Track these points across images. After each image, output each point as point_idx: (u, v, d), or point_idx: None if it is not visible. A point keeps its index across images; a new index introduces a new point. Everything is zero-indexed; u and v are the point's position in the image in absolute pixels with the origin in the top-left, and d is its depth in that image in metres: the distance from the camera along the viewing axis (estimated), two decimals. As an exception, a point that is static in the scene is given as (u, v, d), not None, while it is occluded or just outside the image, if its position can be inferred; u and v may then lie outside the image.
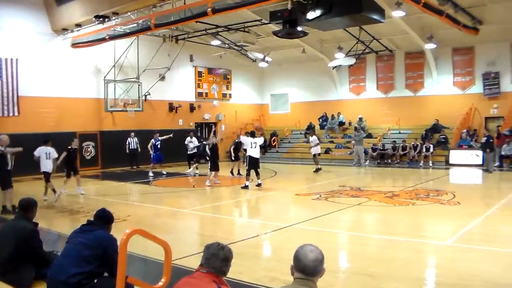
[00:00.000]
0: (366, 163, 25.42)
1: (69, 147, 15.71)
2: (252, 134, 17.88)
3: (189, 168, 22.22)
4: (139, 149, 24.44)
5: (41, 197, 13.76)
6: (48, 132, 20.78)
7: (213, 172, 17.93)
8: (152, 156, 21.36)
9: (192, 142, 21.92)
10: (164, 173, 21.90)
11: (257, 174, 17.13)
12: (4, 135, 12.77)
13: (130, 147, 24.44)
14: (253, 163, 17.00)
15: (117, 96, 23.98)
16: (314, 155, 22.93)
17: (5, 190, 12.45)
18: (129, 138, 24.48)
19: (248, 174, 17.11)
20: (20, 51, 20.90)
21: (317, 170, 22.20)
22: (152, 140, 21.37)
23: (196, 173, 21.68)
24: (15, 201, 6.21)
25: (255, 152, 16.98)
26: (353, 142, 26.05)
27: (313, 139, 23.15)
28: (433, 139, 25.53)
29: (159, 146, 21.40)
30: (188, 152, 22.18)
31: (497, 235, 9.78)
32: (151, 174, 21.22)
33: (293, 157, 28.78)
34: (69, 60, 22.86)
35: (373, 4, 14.02)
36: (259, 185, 16.98)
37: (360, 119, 29.10)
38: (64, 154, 15.31)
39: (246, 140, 17.46)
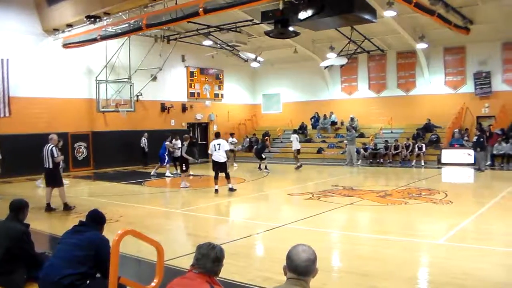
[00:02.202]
0: (359, 163, 25.46)
1: None
2: (217, 135, 16.90)
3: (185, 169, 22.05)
4: (146, 149, 25.19)
5: None
6: (40, 133, 20.70)
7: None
8: (167, 157, 21.35)
9: (176, 144, 21.64)
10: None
11: (227, 177, 15.74)
12: (53, 134, 13.29)
13: (145, 148, 25.24)
14: (217, 167, 15.71)
15: (109, 96, 23.87)
16: (298, 150, 24.18)
17: (60, 187, 13.04)
18: (142, 138, 25.17)
19: (215, 177, 15.76)
20: (11, 52, 20.76)
21: (299, 166, 23.50)
22: (167, 142, 21.38)
23: (177, 174, 21.64)
24: (6, 203, 6.16)
25: (218, 155, 15.57)
26: (345, 141, 26.12)
27: (293, 137, 24.34)
28: (425, 139, 25.63)
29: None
30: (174, 155, 21.27)
31: (489, 233, 9.83)
32: (171, 174, 21.38)
33: (286, 156, 28.75)
34: (61, 60, 22.75)
35: (365, 4, 14.09)
36: (231, 189, 15.70)
37: (352, 118, 29.16)
38: None
39: (212, 142, 16.32)
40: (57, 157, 12.69)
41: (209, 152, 16.12)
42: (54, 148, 12.74)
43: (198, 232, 10.96)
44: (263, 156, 23.10)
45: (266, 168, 22.93)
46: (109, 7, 19.08)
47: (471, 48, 25.90)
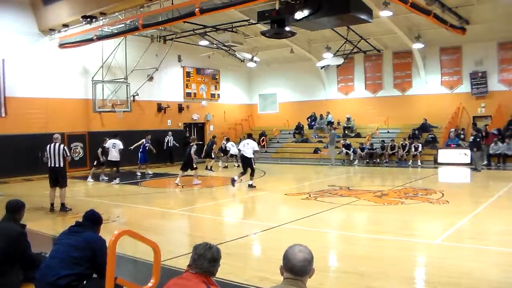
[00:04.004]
0: (355, 162, 25.52)
1: None
2: (248, 136, 18.60)
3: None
4: (177, 145, 26.74)
5: None
6: (36, 133, 20.69)
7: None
8: (139, 156, 21.44)
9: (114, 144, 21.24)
10: (150, 173, 21.91)
11: (252, 174, 17.10)
12: (57, 134, 13.34)
13: (169, 145, 26.56)
14: (244, 162, 17.25)
15: (105, 96, 23.85)
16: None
17: (65, 187, 13.08)
18: (167, 137, 26.46)
19: (242, 173, 17.27)
20: (7, 52, 20.71)
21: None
22: (143, 140, 21.34)
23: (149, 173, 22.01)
24: (2, 204, 6.13)
25: (244, 150, 17.09)
26: (342, 142, 26.26)
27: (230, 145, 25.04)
28: (422, 138, 25.66)
29: (147, 148, 21.46)
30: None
31: (485, 233, 9.85)
32: (138, 173, 21.36)
33: (282, 157, 28.78)
34: (57, 60, 22.69)
35: (361, 4, 14.06)
36: (250, 186, 16.84)
37: (349, 118, 29.23)
38: None
39: (242, 141, 18.16)
40: (68, 156, 12.88)
41: (238, 148, 18.99)
42: (66, 147, 12.98)
43: (194, 232, 10.96)
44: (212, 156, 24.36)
45: (210, 168, 23.87)
46: (105, 7, 19.05)
47: (467, 48, 25.97)
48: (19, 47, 21.37)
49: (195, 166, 18.43)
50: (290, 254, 3.23)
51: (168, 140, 26.62)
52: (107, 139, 19.69)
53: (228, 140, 26.76)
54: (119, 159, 19.16)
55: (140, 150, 21.40)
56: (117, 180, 19.15)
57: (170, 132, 26.87)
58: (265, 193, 16.71)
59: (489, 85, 25.37)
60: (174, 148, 26.97)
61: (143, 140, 21.48)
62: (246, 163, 17.15)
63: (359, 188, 16.32)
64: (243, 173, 17.25)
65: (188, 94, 30.16)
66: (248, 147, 17.03)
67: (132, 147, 21.26)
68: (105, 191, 17.26)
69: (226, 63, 31.70)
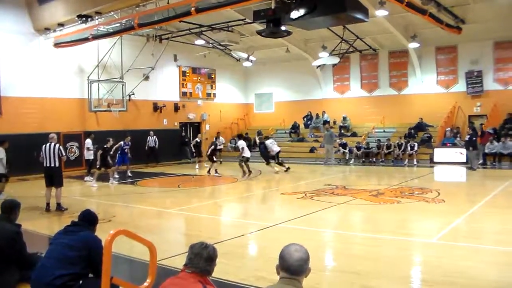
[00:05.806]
0: (351, 162, 25.54)
1: None
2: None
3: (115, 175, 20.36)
4: (156, 146, 26.38)
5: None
6: (32, 133, 20.62)
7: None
8: (117, 158, 20.71)
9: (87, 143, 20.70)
10: (130, 174, 21.26)
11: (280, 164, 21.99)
12: (53, 133, 13.42)
13: (150, 145, 26.26)
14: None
15: (101, 96, 23.79)
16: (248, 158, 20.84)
17: (61, 187, 13.07)
18: (148, 137, 26.19)
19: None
20: (2, 51, 20.65)
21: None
22: (121, 142, 20.59)
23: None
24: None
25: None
26: (338, 141, 26.26)
27: (240, 143, 21.35)
28: (418, 138, 25.70)
29: (126, 150, 20.78)
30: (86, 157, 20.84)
31: (481, 232, 9.88)
32: (116, 176, 19.97)
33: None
34: (52, 60, 22.62)
35: (357, 3, 14.07)
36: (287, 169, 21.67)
37: (344, 118, 29.24)
38: None
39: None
40: (63, 156, 12.87)
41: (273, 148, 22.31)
42: (62, 147, 13.02)
43: (190, 231, 10.97)
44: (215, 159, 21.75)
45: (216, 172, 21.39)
46: (100, 6, 18.98)
47: (463, 47, 26.02)
48: (14, 46, 21.30)
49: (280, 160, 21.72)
50: (286, 253, 3.22)
51: (148, 140, 26.21)
52: (111, 139, 19.56)
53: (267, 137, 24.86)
54: (88, 158, 20.40)
55: (119, 152, 20.80)
56: (89, 178, 19.74)
57: (151, 132, 26.39)
58: (261, 192, 16.71)
59: (484, 84, 25.43)
60: (157, 148, 26.41)
61: (121, 142, 20.79)
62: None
63: (355, 187, 16.31)
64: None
65: (184, 94, 30.13)
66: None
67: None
68: (101, 191, 17.23)
69: (222, 63, 31.65)
